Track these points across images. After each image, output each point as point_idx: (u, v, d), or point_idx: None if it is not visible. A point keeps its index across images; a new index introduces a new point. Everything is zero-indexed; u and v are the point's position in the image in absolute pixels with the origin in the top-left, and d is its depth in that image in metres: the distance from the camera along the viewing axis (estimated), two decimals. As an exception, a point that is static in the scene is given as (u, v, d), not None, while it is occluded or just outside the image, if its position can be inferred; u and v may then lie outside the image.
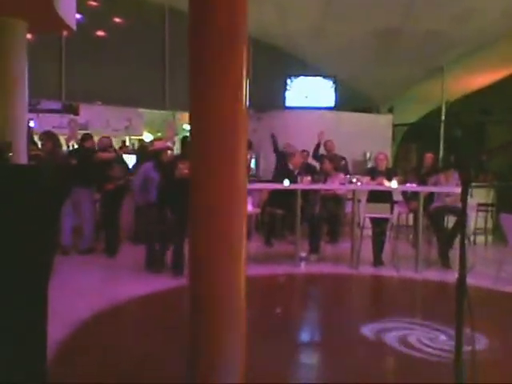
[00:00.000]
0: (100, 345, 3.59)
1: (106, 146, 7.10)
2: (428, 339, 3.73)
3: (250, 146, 8.75)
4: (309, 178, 6.89)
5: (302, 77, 10.37)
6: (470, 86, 10.81)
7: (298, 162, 7.39)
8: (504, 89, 10.13)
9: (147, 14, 10.28)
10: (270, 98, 10.28)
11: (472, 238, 7.65)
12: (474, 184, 7.85)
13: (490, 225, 8.17)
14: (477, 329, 3.44)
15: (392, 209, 6.48)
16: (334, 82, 10.31)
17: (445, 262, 6.22)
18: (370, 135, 9.92)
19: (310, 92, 10.34)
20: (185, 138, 7.93)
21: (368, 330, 3.92)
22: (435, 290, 5.60)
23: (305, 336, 4.15)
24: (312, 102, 10.24)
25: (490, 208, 8.21)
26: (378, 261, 6.34)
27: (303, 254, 6.51)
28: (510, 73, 9.98)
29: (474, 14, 8.75)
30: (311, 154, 8.54)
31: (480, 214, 7.99)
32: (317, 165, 8.35)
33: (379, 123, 10.67)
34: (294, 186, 6.41)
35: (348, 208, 7.53)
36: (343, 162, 8.69)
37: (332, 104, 10.29)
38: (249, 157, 8.60)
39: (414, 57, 10.08)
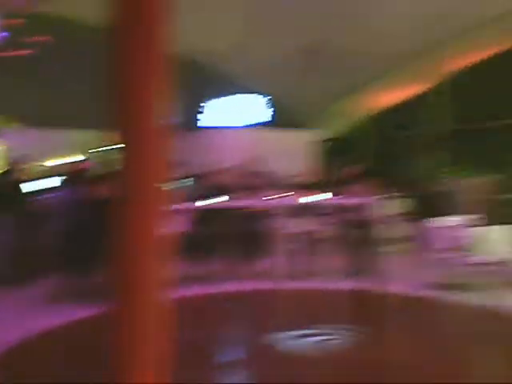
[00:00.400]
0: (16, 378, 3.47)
1: (20, 166, 6.88)
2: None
3: (181, 165, 8.74)
4: (233, 195, 6.99)
5: (227, 96, 10.57)
6: (387, 102, 11.46)
7: (223, 181, 7.48)
8: (417, 105, 10.84)
9: (71, 33, 10.09)
10: (195, 118, 10.37)
11: (390, 247, 8.00)
12: (393, 194, 8.26)
13: (407, 233, 8.58)
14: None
15: (313, 222, 6.69)
16: (262, 100, 10.56)
17: (358, 272, 6.44)
18: (297, 151, 10.22)
19: (237, 110, 10.53)
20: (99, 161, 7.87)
21: (275, 340, 4.13)
22: (348, 299, 5.81)
23: (223, 354, 4.22)
24: (238, 121, 10.43)
25: (408, 217, 8.64)
26: (297, 274, 6.51)
27: (227, 273, 6.56)
28: (421, 90, 10.70)
29: (386, 33, 9.31)
30: (239, 171, 8.64)
31: (398, 222, 8.39)
32: (245, 182, 8.46)
33: (306, 139, 11.03)
34: (216, 206, 6.49)
35: (271, 223, 7.67)
36: (270, 179, 8.87)
37: (260, 121, 10.53)
38: (181, 176, 8.56)
39: (334, 73, 10.53)
